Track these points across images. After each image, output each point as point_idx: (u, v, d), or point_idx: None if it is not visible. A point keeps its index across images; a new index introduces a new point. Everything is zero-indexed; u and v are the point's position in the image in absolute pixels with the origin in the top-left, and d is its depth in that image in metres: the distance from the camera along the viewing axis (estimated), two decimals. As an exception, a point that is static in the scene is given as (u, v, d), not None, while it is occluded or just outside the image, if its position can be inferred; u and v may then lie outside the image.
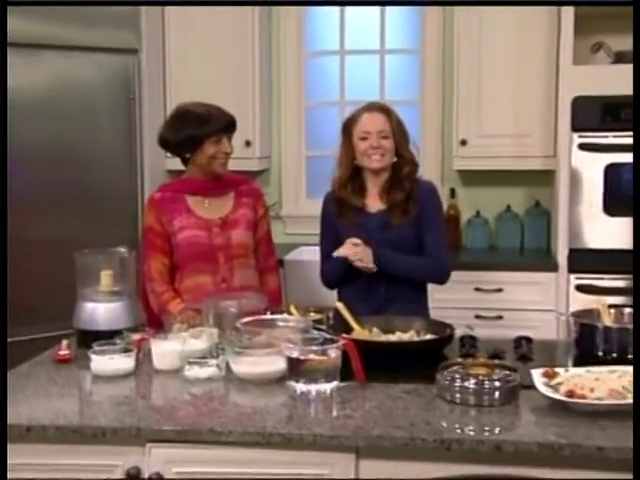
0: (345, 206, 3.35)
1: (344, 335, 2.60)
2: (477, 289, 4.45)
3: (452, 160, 4.85)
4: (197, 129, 3.35)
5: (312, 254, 4.83)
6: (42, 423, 2.18)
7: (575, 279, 4.36)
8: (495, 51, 4.66)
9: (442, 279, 3.36)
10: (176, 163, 3.61)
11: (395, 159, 3.31)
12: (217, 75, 4.91)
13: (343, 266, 3.25)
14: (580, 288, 4.32)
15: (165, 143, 3.47)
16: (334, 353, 2.38)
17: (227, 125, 3.43)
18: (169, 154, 3.63)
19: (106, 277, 2.89)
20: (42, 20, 4.23)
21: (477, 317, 4.36)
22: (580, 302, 4.20)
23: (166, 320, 3.00)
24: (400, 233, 3.29)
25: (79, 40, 4.40)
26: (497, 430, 2.09)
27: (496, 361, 2.45)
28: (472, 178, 5.02)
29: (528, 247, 4.98)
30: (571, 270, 4.37)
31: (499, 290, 4.47)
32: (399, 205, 3.30)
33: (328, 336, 2.50)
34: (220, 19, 4.89)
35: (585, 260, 4.36)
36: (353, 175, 3.36)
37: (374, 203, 3.36)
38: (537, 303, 4.41)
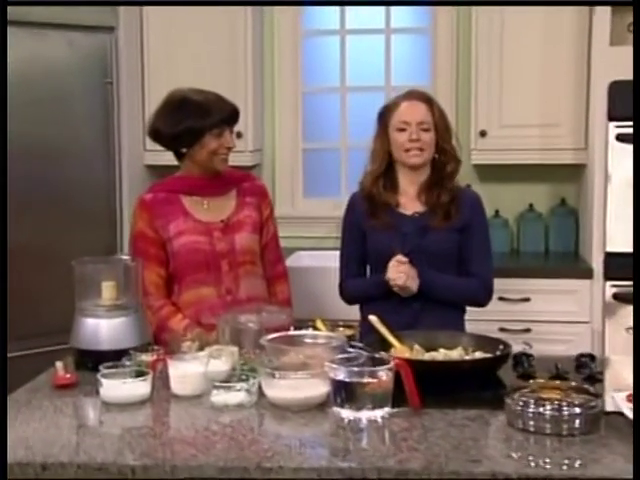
0: (376, 204, 3.29)
1: (382, 353, 2.55)
2: (501, 298, 4.40)
3: (469, 153, 4.78)
4: (197, 120, 3.27)
5: (311, 260, 4.79)
6: (60, 460, 2.10)
7: (611, 287, 4.35)
8: (519, 29, 4.63)
9: (485, 302, 3.34)
10: (157, 157, 3.52)
11: (435, 155, 3.26)
12: (203, 57, 4.86)
13: (379, 290, 3.20)
14: (618, 297, 4.32)
15: (158, 135, 3.38)
16: (386, 375, 2.33)
17: (230, 116, 3.37)
18: (156, 147, 3.52)
19: (108, 289, 2.82)
20: (11, -6, 4.15)
21: (501, 330, 4.32)
22: (618, 312, 4.21)
23: (170, 339, 2.94)
24: (441, 238, 3.23)
25: (51, 17, 4.33)
26: (588, 464, 2.04)
27: (572, 383, 2.42)
28: (490, 173, 5.00)
29: (554, 251, 4.97)
30: (607, 277, 4.37)
31: (526, 300, 4.46)
32: (441, 207, 3.25)
33: (377, 356, 2.45)
34: (206, -6, 4.82)
35: (623, 265, 4.32)
36: (386, 171, 3.30)
37: (410, 204, 3.29)
38: (569, 314, 4.41)
